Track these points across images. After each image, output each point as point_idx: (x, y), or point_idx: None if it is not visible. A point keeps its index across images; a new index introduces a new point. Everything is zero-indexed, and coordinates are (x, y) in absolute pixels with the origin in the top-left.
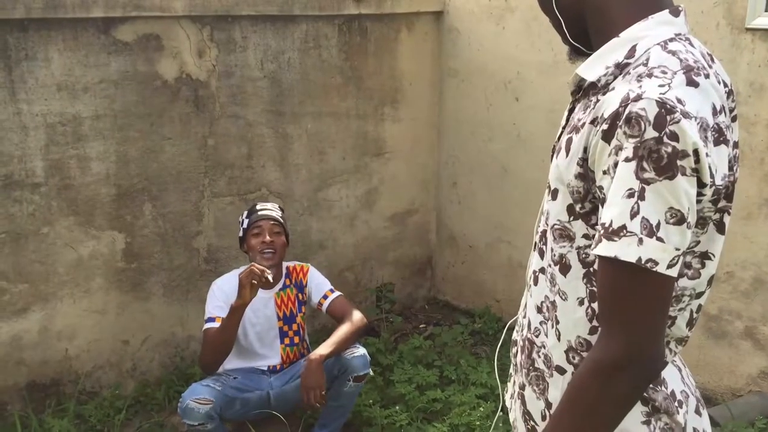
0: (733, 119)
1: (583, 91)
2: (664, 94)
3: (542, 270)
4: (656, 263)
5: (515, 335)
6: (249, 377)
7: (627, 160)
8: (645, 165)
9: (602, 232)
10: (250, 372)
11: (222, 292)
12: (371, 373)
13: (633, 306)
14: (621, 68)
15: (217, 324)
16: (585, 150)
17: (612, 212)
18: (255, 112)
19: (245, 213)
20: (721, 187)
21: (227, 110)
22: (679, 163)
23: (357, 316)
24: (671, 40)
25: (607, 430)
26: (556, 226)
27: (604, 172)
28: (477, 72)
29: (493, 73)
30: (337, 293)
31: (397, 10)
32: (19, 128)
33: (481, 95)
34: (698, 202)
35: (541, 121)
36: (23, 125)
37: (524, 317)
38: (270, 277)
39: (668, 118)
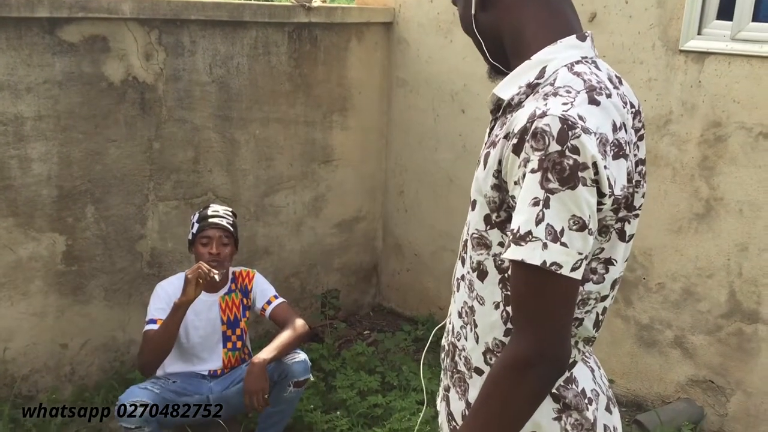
0: (640, 138)
1: (502, 109)
2: (566, 111)
3: (462, 277)
4: (560, 266)
5: (443, 340)
6: (189, 381)
7: (533, 171)
8: (549, 176)
9: (511, 237)
10: (190, 376)
11: (166, 294)
12: (312, 378)
13: (540, 306)
14: (532, 88)
15: (157, 326)
16: (500, 162)
17: (519, 219)
18: (202, 116)
19: (196, 215)
20: (620, 198)
21: (174, 114)
22: (580, 174)
23: (299, 322)
24: (577, 62)
25: (520, 422)
26: (474, 235)
27: (515, 183)
28: (425, 83)
29: (441, 85)
30: (280, 299)
31: (348, 20)
32: None
33: (429, 106)
34: (599, 210)
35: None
36: None
37: (450, 323)
38: (216, 278)
39: (570, 133)
